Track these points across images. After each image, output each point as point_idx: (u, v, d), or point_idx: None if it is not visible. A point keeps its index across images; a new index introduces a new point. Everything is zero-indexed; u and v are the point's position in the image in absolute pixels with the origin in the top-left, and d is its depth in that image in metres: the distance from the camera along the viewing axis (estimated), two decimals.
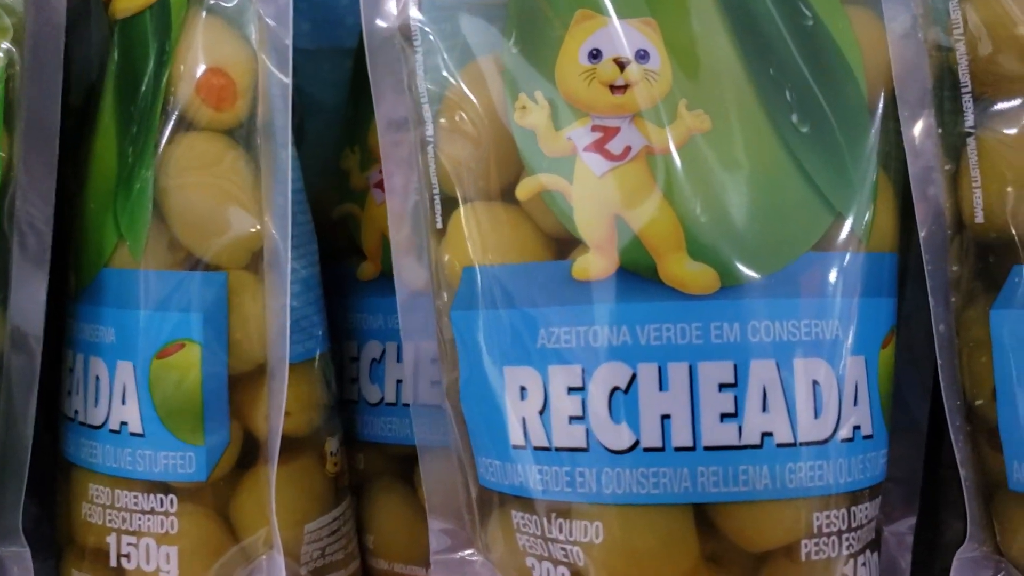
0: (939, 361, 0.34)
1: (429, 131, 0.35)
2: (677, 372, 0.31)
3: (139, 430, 0.37)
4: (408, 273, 0.38)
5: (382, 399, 0.43)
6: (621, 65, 0.33)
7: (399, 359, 0.43)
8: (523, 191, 0.33)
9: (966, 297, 0.34)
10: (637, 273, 0.32)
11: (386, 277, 0.43)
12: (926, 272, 0.34)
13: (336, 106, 0.48)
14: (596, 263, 0.32)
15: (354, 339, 0.45)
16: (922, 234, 0.34)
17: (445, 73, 0.35)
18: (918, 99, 0.34)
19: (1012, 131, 0.33)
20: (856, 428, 0.33)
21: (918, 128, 0.34)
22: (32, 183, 0.37)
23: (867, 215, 0.33)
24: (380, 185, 0.44)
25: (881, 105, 0.34)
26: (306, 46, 0.49)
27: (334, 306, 0.44)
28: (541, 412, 0.33)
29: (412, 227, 0.37)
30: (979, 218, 0.33)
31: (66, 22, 0.40)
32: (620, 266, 0.32)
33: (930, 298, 0.34)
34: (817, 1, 0.34)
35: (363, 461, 0.44)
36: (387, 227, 0.38)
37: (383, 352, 0.43)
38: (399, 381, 0.43)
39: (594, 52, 0.33)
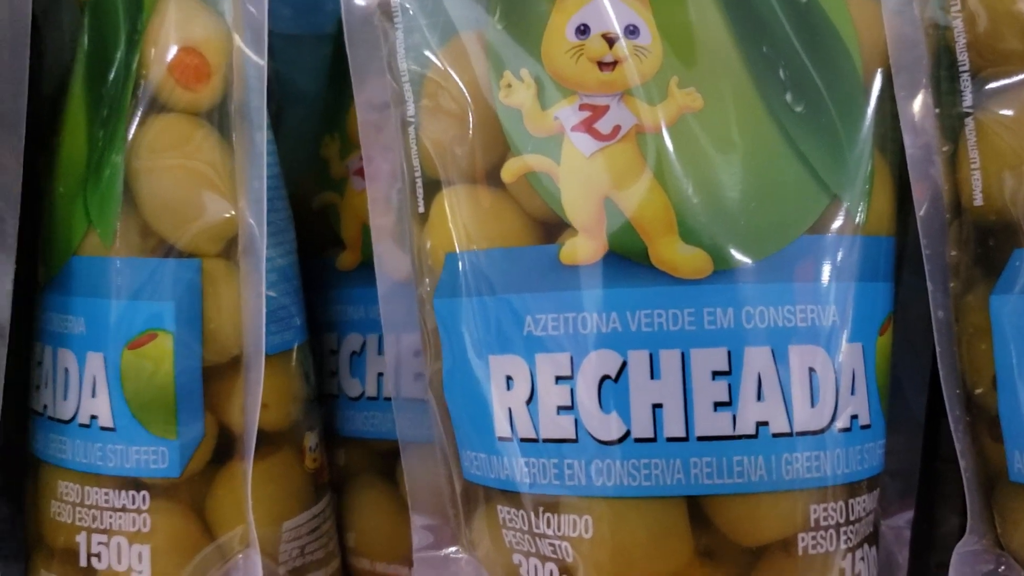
0: (938, 349, 0.33)
1: (411, 111, 0.34)
2: (669, 359, 0.30)
3: (110, 424, 0.36)
4: (389, 262, 0.36)
5: (363, 393, 0.42)
6: (610, 41, 0.31)
7: (380, 352, 0.41)
8: (508, 173, 0.32)
9: (965, 282, 0.33)
10: (627, 257, 0.31)
11: (366, 267, 0.42)
12: (924, 256, 0.33)
13: (316, 93, 0.47)
14: (584, 247, 0.31)
15: (334, 331, 0.43)
16: (920, 217, 0.33)
17: (427, 51, 0.34)
18: (915, 78, 0.33)
19: (1012, 111, 0.32)
20: (854, 418, 0.32)
21: (915, 108, 0.33)
22: None
23: (863, 198, 0.32)
24: (360, 173, 0.43)
25: (877, 84, 0.33)
26: (286, 31, 0.48)
27: (313, 298, 0.43)
28: (528, 402, 0.31)
29: (393, 214, 0.36)
30: (978, 201, 0.32)
31: (39, 9, 0.39)
32: (609, 250, 0.31)
33: (928, 283, 0.33)
34: None
35: (344, 457, 0.43)
36: (367, 215, 0.37)
37: (363, 344, 0.42)
38: (380, 374, 0.42)
39: (582, 28, 0.32)
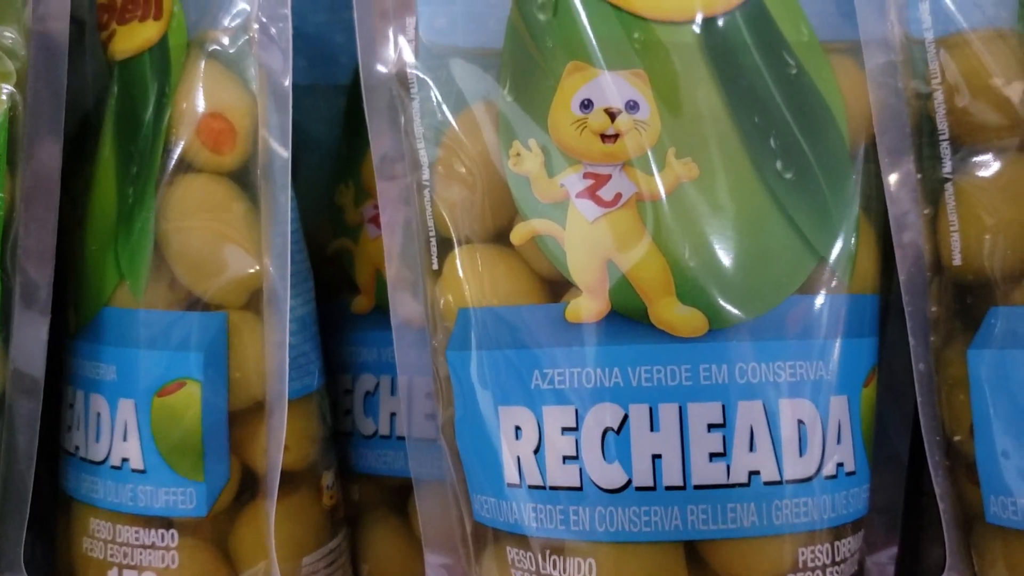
0: (919, 399, 0.35)
1: (425, 175, 0.36)
2: (668, 413, 0.32)
3: (140, 466, 0.38)
4: (403, 309, 0.38)
5: (376, 432, 0.44)
6: (612, 115, 0.34)
7: (393, 392, 0.44)
8: (518, 236, 0.34)
9: (945, 337, 0.35)
10: (628, 316, 0.33)
11: (380, 311, 0.44)
12: (906, 313, 0.35)
13: (330, 142, 0.49)
14: (588, 306, 0.33)
15: (348, 372, 0.45)
16: (902, 276, 0.35)
17: (441, 119, 0.36)
18: (897, 146, 0.35)
19: (988, 177, 0.34)
20: (839, 465, 0.34)
21: (898, 174, 0.35)
22: (33, 225, 0.38)
23: (849, 259, 0.34)
24: (374, 220, 0.45)
25: (863, 151, 0.35)
26: (301, 82, 0.49)
27: (328, 340, 0.45)
28: (536, 451, 0.34)
29: (407, 263, 0.38)
30: (957, 261, 0.34)
31: (71, 67, 0.40)
32: (611, 309, 0.33)
33: (910, 337, 0.35)
34: (801, 50, 0.35)
35: (358, 492, 0.45)
36: (381, 262, 0.39)
37: (377, 385, 0.44)
38: (393, 414, 0.44)
39: (585, 102, 0.34)
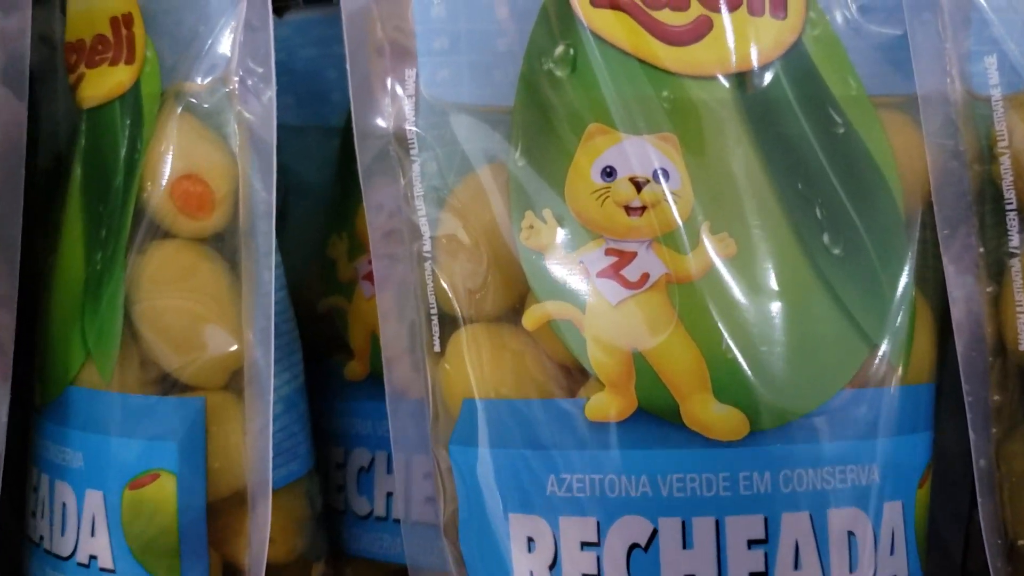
0: (979, 497, 0.32)
1: (427, 246, 0.32)
2: (702, 528, 0.29)
3: (110, 565, 0.34)
4: (400, 378, 0.35)
5: (371, 512, 0.40)
6: (638, 185, 0.30)
7: (389, 470, 0.40)
8: (530, 320, 0.30)
9: (1008, 428, 0.32)
10: (657, 415, 0.29)
11: (375, 378, 0.40)
12: (966, 403, 0.32)
13: (322, 186, 0.45)
14: (612, 403, 0.29)
15: (340, 444, 0.42)
16: (961, 361, 0.31)
17: (444, 184, 0.32)
18: (957, 215, 0.31)
19: None
20: None
21: (957, 247, 0.32)
22: None
23: (904, 344, 0.31)
24: (370, 277, 0.41)
25: (918, 221, 0.32)
26: (290, 122, 0.46)
27: (319, 405, 0.41)
28: (551, 567, 0.30)
29: (404, 326, 0.34)
30: (1023, 345, 0.31)
31: (34, 72, 0.37)
32: (638, 407, 0.29)
33: (970, 431, 0.31)
34: (848, 106, 0.31)
35: None
36: (377, 324, 0.35)
37: (372, 461, 0.40)
38: (390, 494, 0.40)
39: (608, 170, 0.30)
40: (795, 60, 0.31)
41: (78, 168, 0.37)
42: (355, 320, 0.41)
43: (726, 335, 0.29)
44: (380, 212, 0.34)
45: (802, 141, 0.31)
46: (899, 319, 0.31)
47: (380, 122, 0.33)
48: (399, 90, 0.33)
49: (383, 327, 0.35)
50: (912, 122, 0.32)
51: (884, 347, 0.30)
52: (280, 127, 0.46)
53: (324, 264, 0.43)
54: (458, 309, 0.32)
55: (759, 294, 0.30)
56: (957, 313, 0.31)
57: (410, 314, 0.34)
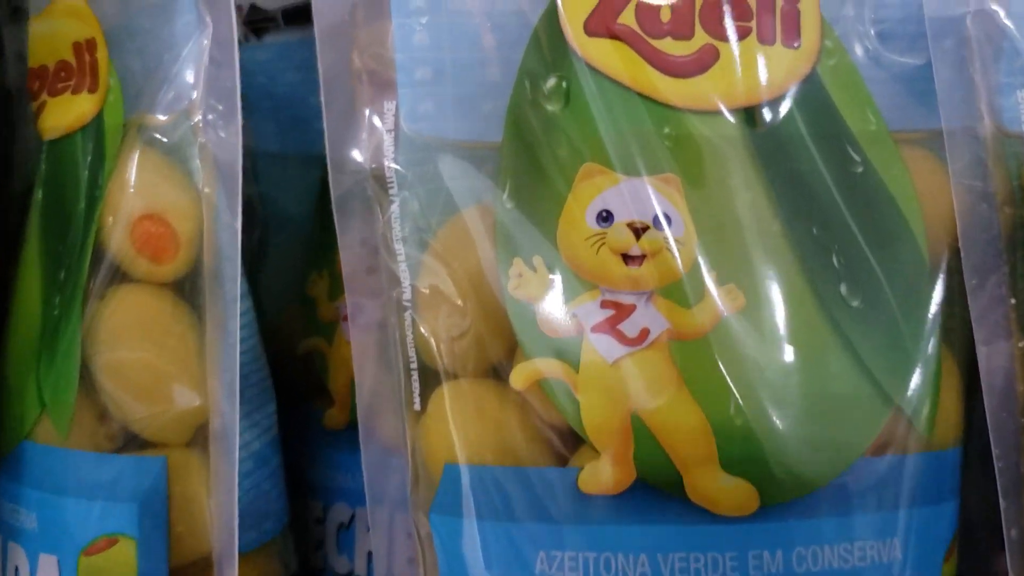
0: (1011, 570, 0.29)
1: (407, 295, 0.30)
2: None
3: None
4: (379, 427, 0.32)
5: (351, 572, 0.38)
6: (636, 231, 0.27)
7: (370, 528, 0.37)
8: (519, 379, 0.28)
9: None
10: (658, 487, 0.26)
11: (356, 428, 0.37)
12: (996, 468, 0.29)
13: (303, 218, 0.42)
14: (608, 473, 0.27)
15: (319, 499, 0.39)
16: (991, 424, 0.29)
17: (426, 226, 0.29)
18: (987, 263, 0.29)
19: None
20: None
21: (986, 298, 0.29)
22: None
23: (929, 405, 0.28)
24: None
25: (944, 268, 0.29)
26: (270, 149, 0.43)
27: (297, 454, 0.39)
28: None
29: (384, 369, 0.32)
30: None
31: (10, 91, 0.36)
32: (637, 478, 0.27)
33: (1000, 499, 0.29)
34: (867, 143, 0.29)
35: None
36: None
37: (352, 518, 0.38)
38: (371, 553, 0.37)
39: (604, 214, 0.27)
40: (809, 92, 0.29)
41: (38, 204, 0.34)
42: (335, 364, 0.39)
43: (734, 398, 0.27)
44: (355, 251, 0.32)
45: (817, 181, 0.28)
46: (923, 377, 0.28)
47: (356, 156, 0.31)
48: (377, 122, 0.30)
49: (358, 375, 0.32)
50: (937, 160, 0.29)
51: (907, 408, 0.28)
52: (260, 155, 0.43)
53: (304, 303, 0.41)
54: (440, 363, 0.29)
55: (770, 352, 0.27)
56: (986, 370, 0.29)
57: (389, 361, 0.31)
